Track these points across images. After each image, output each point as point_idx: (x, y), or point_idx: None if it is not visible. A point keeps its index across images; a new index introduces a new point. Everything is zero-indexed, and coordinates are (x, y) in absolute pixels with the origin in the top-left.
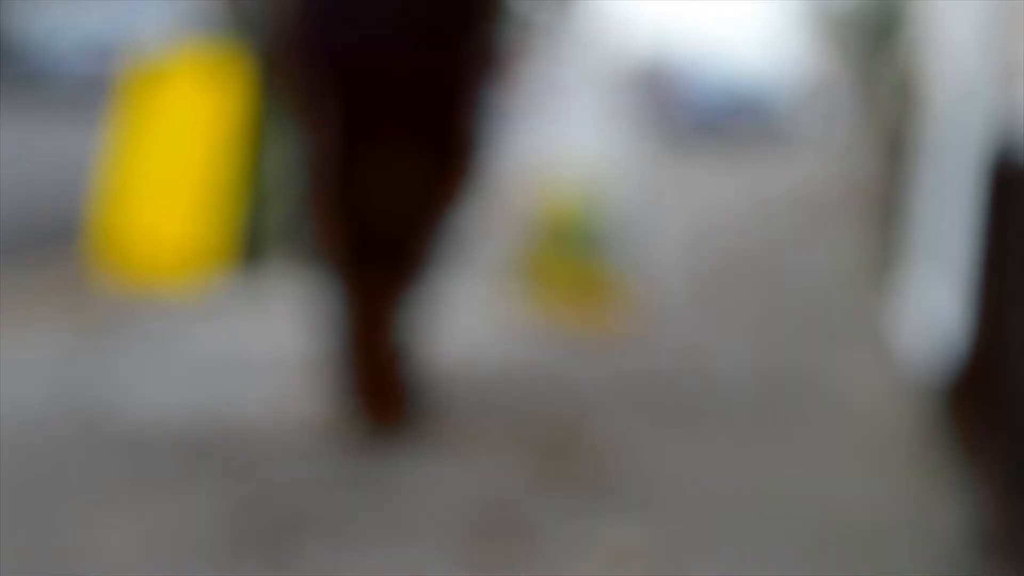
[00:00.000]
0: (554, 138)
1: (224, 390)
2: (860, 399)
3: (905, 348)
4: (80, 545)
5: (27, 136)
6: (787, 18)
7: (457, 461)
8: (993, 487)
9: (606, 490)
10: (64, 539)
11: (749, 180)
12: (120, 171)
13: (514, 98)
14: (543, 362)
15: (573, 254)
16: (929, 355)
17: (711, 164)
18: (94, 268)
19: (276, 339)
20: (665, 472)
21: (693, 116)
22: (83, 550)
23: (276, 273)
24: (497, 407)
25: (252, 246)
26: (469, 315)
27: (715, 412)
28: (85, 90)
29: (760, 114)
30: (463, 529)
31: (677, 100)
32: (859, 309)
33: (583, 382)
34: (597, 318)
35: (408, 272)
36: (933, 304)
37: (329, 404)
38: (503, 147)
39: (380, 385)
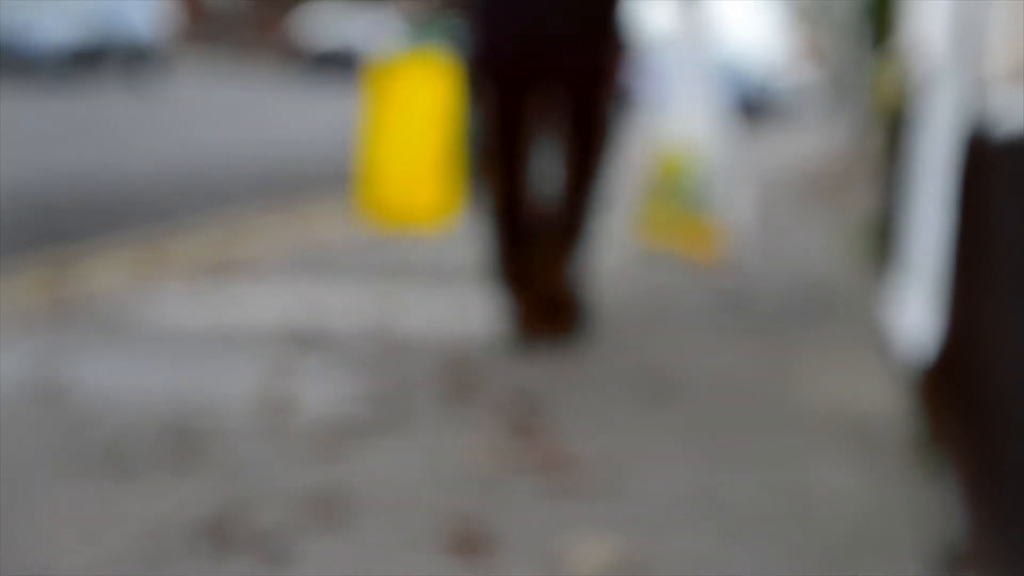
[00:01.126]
0: (666, 112)
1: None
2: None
3: (893, 330)
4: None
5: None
6: (784, 15)
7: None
8: (964, 480)
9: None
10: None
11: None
12: (373, 142)
13: (635, 80)
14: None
15: (681, 202)
16: (910, 339)
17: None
18: (361, 212)
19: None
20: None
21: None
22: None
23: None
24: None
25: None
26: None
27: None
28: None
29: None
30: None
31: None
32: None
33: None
34: (699, 250)
35: (568, 217)
36: (914, 286)
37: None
38: (629, 119)
39: (551, 301)
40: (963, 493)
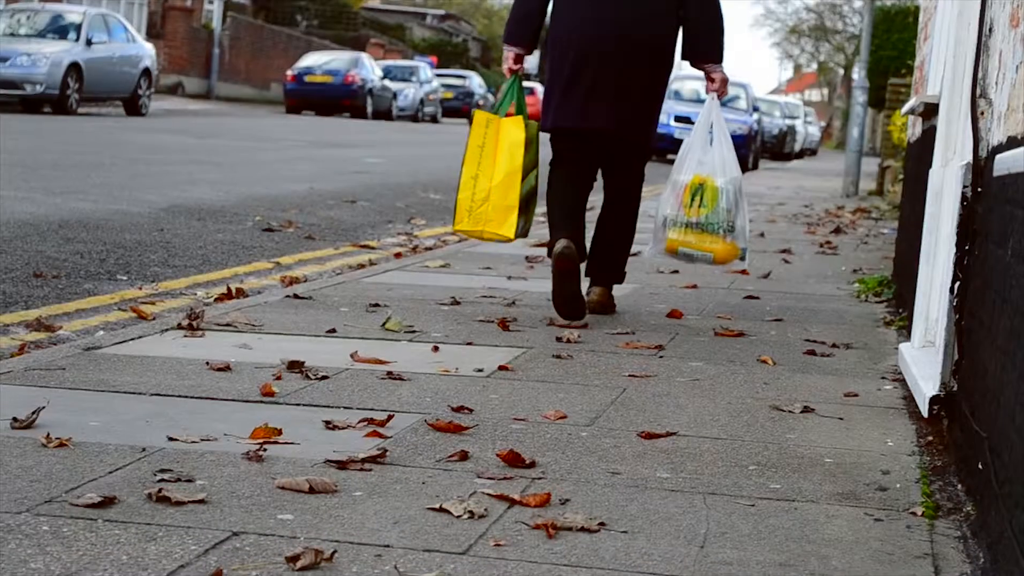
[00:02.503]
0: (691, 155)
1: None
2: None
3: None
4: None
5: None
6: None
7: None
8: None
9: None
10: None
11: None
12: (469, 169)
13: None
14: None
15: (706, 218)
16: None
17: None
18: (457, 227)
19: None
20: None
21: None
22: None
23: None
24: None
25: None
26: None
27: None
28: None
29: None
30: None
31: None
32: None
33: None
34: (717, 253)
35: (614, 222)
36: (920, 320)
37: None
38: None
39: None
40: (964, 534)
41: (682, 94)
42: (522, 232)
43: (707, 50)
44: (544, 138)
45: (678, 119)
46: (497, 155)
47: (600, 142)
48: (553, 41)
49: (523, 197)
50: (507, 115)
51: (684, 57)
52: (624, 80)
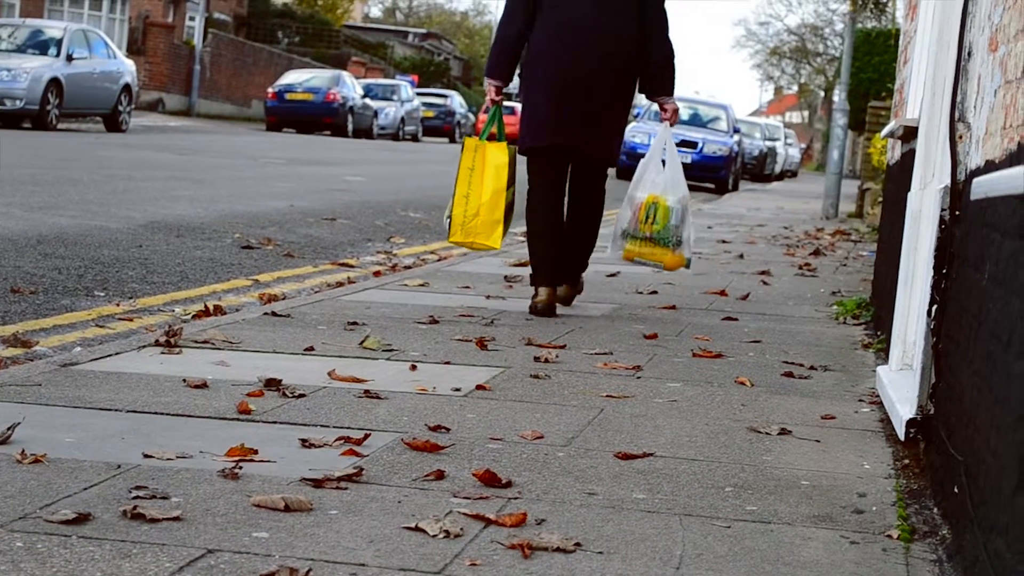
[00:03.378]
0: (645, 175)
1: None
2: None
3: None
4: None
5: None
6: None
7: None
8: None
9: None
10: None
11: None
12: (462, 190)
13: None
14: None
15: (659, 233)
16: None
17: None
18: (451, 239)
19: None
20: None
21: None
22: None
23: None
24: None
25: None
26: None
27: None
28: None
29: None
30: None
31: None
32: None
33: (662, 276)
34: (667, 262)
35: (580, 230)
36: (898, 342)
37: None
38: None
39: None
40: (939, 557)
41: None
42: (505, 235)
43: (661, 86)
44: (520, 160)
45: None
46: (484, 176)
47: (569, 157)
48: (528, 76)
49: (505, 208)
50: (490, 137)
51: (641, 91)
52: (590, 108)
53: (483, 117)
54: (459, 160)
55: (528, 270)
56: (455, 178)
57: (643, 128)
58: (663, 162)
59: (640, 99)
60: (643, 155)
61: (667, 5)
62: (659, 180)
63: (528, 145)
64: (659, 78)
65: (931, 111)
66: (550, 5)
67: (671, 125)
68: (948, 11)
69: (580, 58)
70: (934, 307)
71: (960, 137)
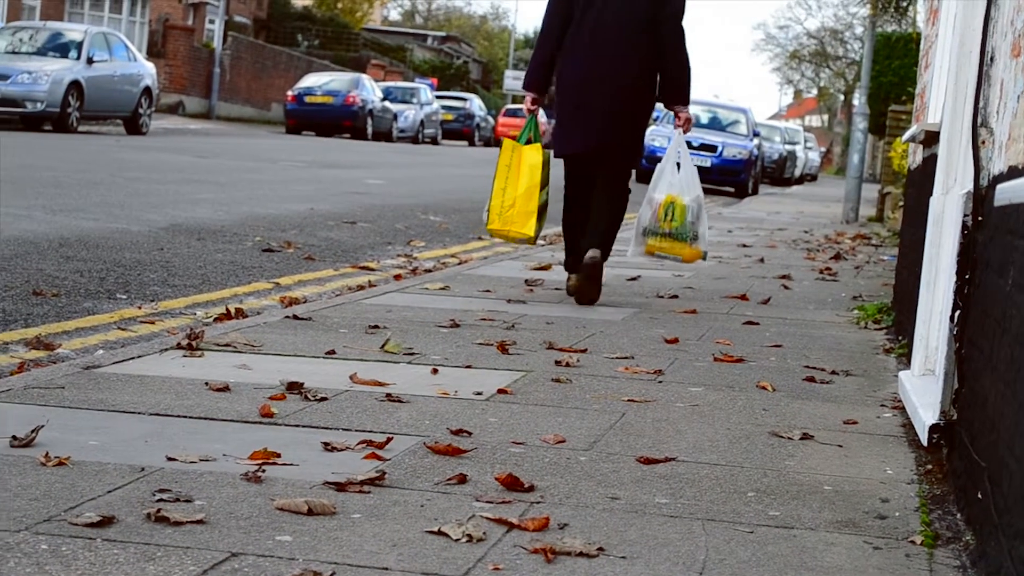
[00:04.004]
0: (666, 176)
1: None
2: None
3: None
4: None
5: None
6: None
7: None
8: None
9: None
10: None
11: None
12: (499, 183)
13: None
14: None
15: (677, 229)
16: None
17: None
18: (489, 227)
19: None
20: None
21: None
22: None
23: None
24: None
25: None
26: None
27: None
28: None
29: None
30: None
31: None
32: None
33: (683, 280)
34: (685, 255)
35: (607, 204)
36: (925, 351)
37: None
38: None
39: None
40: (963, 563)
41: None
42: (538, 234)
43: (676, 96)
44: (556, 163)
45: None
46: (520, 173)
47: (596, 160)
48: (560, 86)
49: (539, 206)
50: (527, 142)
51: (659, 99)
52: (613, 119)
53: (503, 120)
54: (498, 159)
55: (547, 274)
56: (493, 175)
57: (662, 132)
58: (678, 165)
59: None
60: (661, 157)
61: (685, 15)
62: (675, 181)
63: (559, 152)
64: (675, 88)
65: (953, 116)
66: (577, 25)
67: (684, 132)
68: (970, 16)
69: (604, 75)
70: (957, 312)
71: (983, 142)
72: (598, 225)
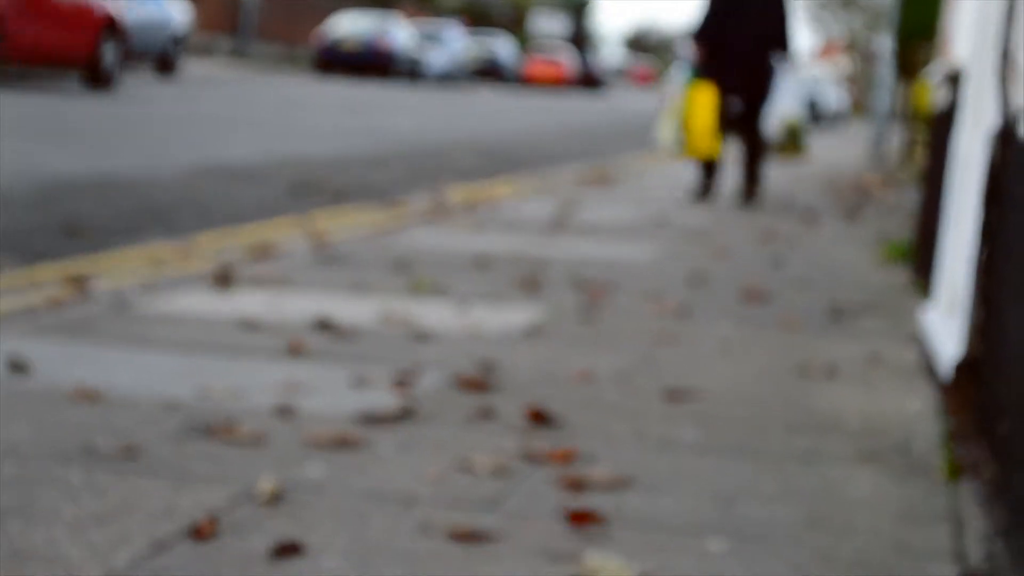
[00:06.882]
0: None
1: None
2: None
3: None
4: None
5: None
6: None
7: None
8: (987, 483)
9: None
10: None
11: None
12: (688, 115)
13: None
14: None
15: (792, 138)
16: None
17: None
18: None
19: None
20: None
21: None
22: None
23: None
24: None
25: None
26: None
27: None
28: None
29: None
30: None
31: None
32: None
33: (740, 254)
34: (798, 156)
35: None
36: (944, 289)
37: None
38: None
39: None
40: (986, 495)
41: None
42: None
43: (780, 47)
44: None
45: None
46: (696, 105)
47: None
48: (713, 45)
49: (710, 130)
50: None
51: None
52: (752, 69)
53: (535, 60)
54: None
55: (574, 211)
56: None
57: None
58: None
59: None
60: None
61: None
62: (788, 104)
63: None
64: (778, 42)
65: (979, 55)
66: (725, 8)
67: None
68: None
69: (743, 41)
70: (981, 250)
71: (1009, 78)
72: (747, 165)
